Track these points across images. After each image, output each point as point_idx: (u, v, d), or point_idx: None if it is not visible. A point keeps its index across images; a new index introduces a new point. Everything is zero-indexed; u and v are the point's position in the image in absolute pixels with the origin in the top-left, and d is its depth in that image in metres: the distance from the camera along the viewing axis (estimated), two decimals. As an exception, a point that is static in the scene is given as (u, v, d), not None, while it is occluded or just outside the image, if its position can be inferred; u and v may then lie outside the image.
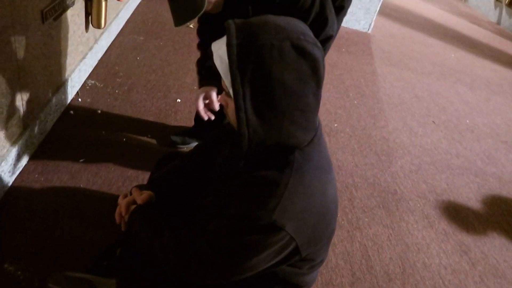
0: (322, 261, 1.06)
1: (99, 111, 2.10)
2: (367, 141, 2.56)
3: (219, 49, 0.86)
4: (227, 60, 0.81)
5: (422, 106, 3.21)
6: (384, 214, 2.01)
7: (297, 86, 0.80)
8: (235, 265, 0.88)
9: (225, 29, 0.82)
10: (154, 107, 2.25)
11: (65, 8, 1.83)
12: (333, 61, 3.52)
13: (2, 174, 1.49)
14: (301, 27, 0.84)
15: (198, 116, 1.98)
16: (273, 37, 0.78)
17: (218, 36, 0.88)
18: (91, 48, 2.32)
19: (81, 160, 1.76)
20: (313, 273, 1.08)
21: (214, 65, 0.88)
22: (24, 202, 1.52)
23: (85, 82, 2.28)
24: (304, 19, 1.26)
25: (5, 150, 1.51)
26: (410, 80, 3.60)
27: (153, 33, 3.03)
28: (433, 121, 3.02)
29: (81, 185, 1.65)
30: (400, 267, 1.74)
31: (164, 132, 2.08)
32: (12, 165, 1.56)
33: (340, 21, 1.39)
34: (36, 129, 1.72)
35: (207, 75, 1.47)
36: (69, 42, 1.97)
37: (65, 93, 2.00)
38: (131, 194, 1.14)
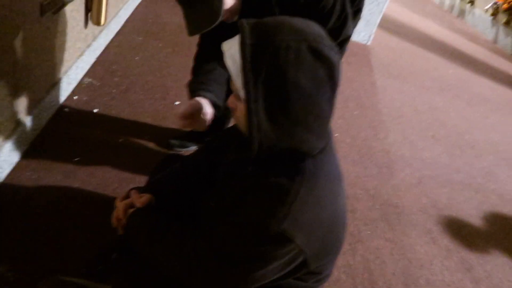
0: (328, 275, 1.01)
1: (96, 110, 2.03)
2: (368, 152, 2.52)
3: (231, 49, 0.81)
4: (239, 61, 0.76)
5: (422, 120, 3.19)
6: (386, 227, 1.96)
7: (312, 90, 0.75)
8: (240, 276, 0.83)
9: (239, 28, 0.77)
10: (152, 109, 2.18)
11: (65, 3, 1.76)
12: (333, 70, 3.49)
13: (-9, 171, 1.41)
14: (318, 30, 0.80)
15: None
16: (289, 38, 0.74)
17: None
18: (89, 45, 2.26)
19: (76, 159, 1.69)
20: (318, 287, 1.02)
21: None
22: (15, 200, 1.44)
23: (81, 79, 2.20)
24: (326, 19, 1.21)
25: (-5, 146, 1.43)
26: (409, 94, 3.59)
27: (152, 34, 2.98)
28: (433, 135, 3.00)
29: (76, 185, 1.57)
30: (403, 282, 1.68)
31: (161, 134, 2.01)
32: (4, 161, 1.48)
33: (355, 24, 1.35)
34: (29, 125, 1.64)
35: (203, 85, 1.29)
36: (67, 37, 1.91)
37: (61, 89, 1.93)
38: (129, 196, 1.08)
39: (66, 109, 1.96)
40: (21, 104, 1.55)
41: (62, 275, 1.19)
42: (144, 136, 1.96)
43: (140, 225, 0.98)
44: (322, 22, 0.79)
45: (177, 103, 2.29)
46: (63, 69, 1.95)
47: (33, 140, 1.69)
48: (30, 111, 1.64)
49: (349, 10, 1.24)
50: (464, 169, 2.69)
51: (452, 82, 4.25)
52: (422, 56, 4.80)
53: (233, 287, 0.83)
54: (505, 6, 6.45)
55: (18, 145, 1.56)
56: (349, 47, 1.49)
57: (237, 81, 0.79)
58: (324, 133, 0.84)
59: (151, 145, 1.93)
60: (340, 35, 1.28)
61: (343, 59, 4.28)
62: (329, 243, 0.88)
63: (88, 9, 2.05)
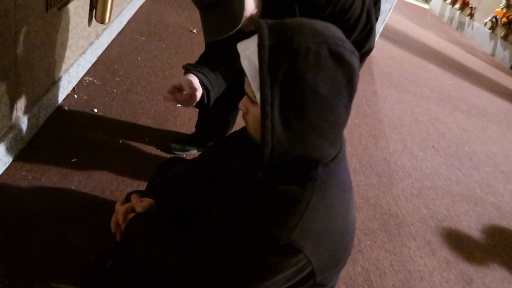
0: (332, 287, 0.98)
1: (96, 110, 1.99)
2: (369, 161, 2.50)
3: (247, 49, 0.79)
4: (256, 62, 0.74)
5: (422, 130, 3.18)
6: (386, 237, 1.93)
7: (330, 95, 0.73)
8: (245, 287, 0.80)
9: (256, 29, 0.75)
10: (153, 110, 2.15)
11: (70, -1, 1.74)
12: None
13: (-13, 169, 1.37)
14: (338, 33, 0.78)
15: (200, 123, 1.90)
16: (309, 40, 0.72)
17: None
18: (91, 44, 2.22)
19: (73, 160, 1.65)
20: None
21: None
22: (8, 201, 1.40)
23: (82, 78, 2.17)
24: (351, 31, 1.19)
25: (-8, 143, 1.39)
26: (410, 103, 3.59)
27: (155, 35, 2.95)
28: (433, 146, 2.99)
29: (72, 187, 1.53)
30: (403, 295, 1.66)
31: (162, 137, 1.98)
32: (-1, 160, 1.44)
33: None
34: (27, 123, 1.60)
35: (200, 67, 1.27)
36: (70, 34, 1.87)
37: (61, 87, 1.89)
38: (129, 200, 1.05)
39: (65, 108, 1.93)
40: (20, 101, 1.51)
41: (54, 282, 1.15)
42: (144, 138, 1.93)
43: (139, 230, 0.95)
44: (346, 34, 0.77)
45: (179, 105, 2.26)
46: (64, 66, 1.91)
47: (30, 139, 1.65)
48: (28, 109, 1.60)
49: (374, 21, 1.21)
50: (463, 181, 2.68)
51: (451, 93, 4.26)
52: (422, 66, 4.82)
53: (237, 299, 0.80)
54: (504, 20, 6.51)
55: (14, 144, 1.52)
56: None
57: (253, 83, 0.77)
58: (337, 141, 0.82)
59: (151, 148, 1.89)
60: (363, 48, 1.25)
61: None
62: (338, 254, 0.86)
63: (93, 6, 2.02)
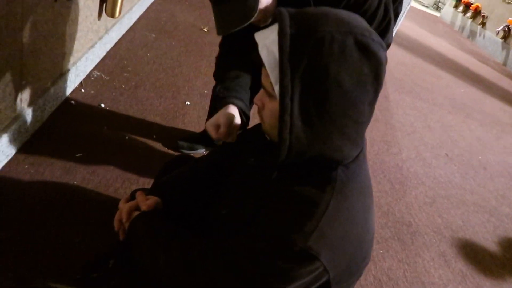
0: (346, 299, 0.91)
1: (103, 105, 1.94)
2: (381, 167, 2.42)
3: (266, 39, 0.73)
4: (275, 52, 0.68)
5: (435, 137, 3.10)
6: (399, 247, 1.85)
7: (355, 90, 0.67)
8: (254, 296, 0.73)
9: (277, 17, 0.69)
10: (161, 107, 2.09)
11: (80, -10, 1.69)
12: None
13: (-12, 161, 1.32)
14: (365, 23, 0.72)
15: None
16: (334, 29, 0.65)
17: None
18: (101, 38, 2.18)
19: (78, 155, 1.59)
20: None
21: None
22: (9, 195, 1.34)
23: (90, 72, 2.12)
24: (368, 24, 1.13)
25: (-6, 134, 1.34)
26: (422, 110, 3.51)
27: (165, 32, 2.90)
28: (446, 154, 2.91)
29: (75, 182, 1.47)
30: (417, 308, 1.58)
31: (170, 134, 1.92)
32: (0, 151, 1.38)
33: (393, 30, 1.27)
34: (31, 115, 1.55)
35: (233, 90, 1.20)
36: (79, 27, 1.83)
37: (68, 81, 1.84)
38: (134, 198, 0.99)
39: (72, 102, 1.87)
40: (25, 92, 1.46)
41: (52, 282, 1.08)
42: (151, 135, 1.87)
43: (144, 230, 0.89)
44: None
45: (187, 103, 2.21)
46: (72, 60, 1.86)
47: (34, 132, 1.60)
48: (33, 101, 1.55)
49: (392, 15, 1.15)
50: (478, 191, 2.59)
51: (464, 101, 4.17)
52: (434, 73, 4.74)
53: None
54: (518, 29, 6.42)
55: (17, 136, 1.47)
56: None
57: (271, 74, 0.71)
58: (359, 140, 0.76)
59: (158, 145, 1.84)
60: None
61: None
62: (355, 264, 0.79)
63: (103, -1, 1.97)
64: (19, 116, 1.46)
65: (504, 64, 6.74)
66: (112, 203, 1.38)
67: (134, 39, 2.63)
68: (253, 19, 1.04)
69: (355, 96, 0.67)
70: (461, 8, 8.19)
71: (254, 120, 0.96)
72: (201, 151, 1.86)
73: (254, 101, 0.80)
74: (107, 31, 2.26)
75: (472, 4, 7.77)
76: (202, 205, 1.04)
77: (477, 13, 7.67)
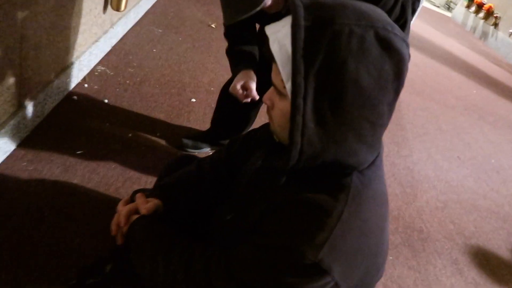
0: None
1: (106, 101, 1.89)
2: (391, 169, 2.35)
3: (278, 32, 0.67)
4: (288, 46, 0.62)
5: (446, 139, 3.02)
6: (410, 253, 1.78)
7: (374, 90, 0.62)
8: (260, 311, 0.67)
9: (289, 8, 0.63)
10: (166, 104, 2.04)
11: (84, -18, 1.64)
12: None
13: (-15, 157, 1.27)
14: (386, 17, 0.65)
15: (217, 118, 1.77)
16: (353, 22, 0.60)
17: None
18: (105, 32, 2.13)
19: (79, 152, 1.54)
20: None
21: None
22: (5, 193, 1.29)
23: (94, 67, 2.07)
24: None
25: (-8, 129, 1.29)
26: (433, 111, 3.43)
27: (172, 27, 2.85)
28: (458, 157, 2.82)
29: (75, 181, 1.42)
30: (429, 319, 1.51)
31: (174, 132, 1.86)
32: (-2, 147, 1.34)
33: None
34: (32, 110, 1.50)
35: (242, 58, 1.32)
36: (83, 20, 1.77)
37: (71, 75, 1.79)
38: (133, 200, 0.93)
39: (75, 97, 1.82)
40: (25, 86, 1.41)
41: (46, 286, 1.03)
42: (155, 132, 1.82)
43: (143, 235, 0.84)
44: None
45: (193, 100, 2.15)
46: (76, 53, 1.81)
47: (34, 127, 1.55)
48: (34, 95, 1.50)
49: (409, 15, 1.09)
50: (491, 196, 2.51)
51: (476, 103, 4.07)
52: (446, 74, 4.64)
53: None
54: (532, 30, 6.28)
55: (16, 131, 1.42)
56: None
57: (283, 71, 0.64)
58: (376, 144, 0.70)
59: (162, 143, 1.78)
60: None
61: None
62: (368, 278, 0.73)
63: (108, -8, 1.92)
64: (18, 111, 1.41)
65: (517, 65, 6.60)
66: (112, 204, 1.32)
67: (140, 34, 2.57)
68: (261, 5, 0.99)
69: (374, 96, 0.62)
70: (473, 8, 8.04)
71: (262, 119, 0.90)
72: (206, 150, 1.80)
73: (263, 99, 0.74)
74: (112, 25, 2.21)
75: (484, 4, 7.63)
76: (205, 209, 0.99)
77: (489, 13, 7.52)
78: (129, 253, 0.86)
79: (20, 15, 1.23)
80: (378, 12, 0.64)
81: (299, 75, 0.60)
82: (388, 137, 2.69)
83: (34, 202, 1.29)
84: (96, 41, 2.02)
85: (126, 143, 1.70)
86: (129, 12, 2.47)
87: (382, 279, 1.60)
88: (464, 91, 4.32)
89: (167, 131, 1.85)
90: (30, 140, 1.50)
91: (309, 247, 0.62)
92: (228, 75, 1.44)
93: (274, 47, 0.66)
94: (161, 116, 1.94)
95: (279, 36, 0.66)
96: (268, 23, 0.70)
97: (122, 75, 2.11)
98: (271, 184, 0.77)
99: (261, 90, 1.23)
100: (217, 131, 1.76)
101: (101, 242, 1.21)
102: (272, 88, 0.72)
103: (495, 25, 7.38)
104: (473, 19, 8.14)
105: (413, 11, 1.19)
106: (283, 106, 0.69)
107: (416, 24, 6.08)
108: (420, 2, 1.17)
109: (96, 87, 1.95)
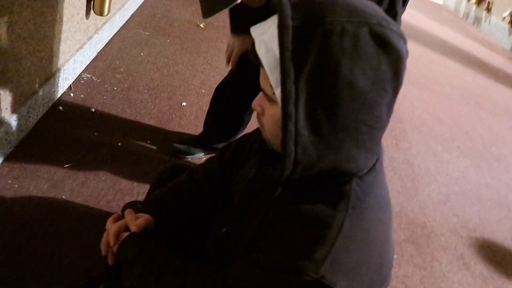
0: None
1: (93, 109, 1.83)
2: (390, 164, 2.30)
3: (264, 33, 0.62)
4: (276, 49, 0.58)
5: (445, 129, 2.97)
6: (414, 250, 1.74)
7: (371, 91, 0.58)
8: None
9: (276, 6, 0.58)
10: (156, 110, 1.98)
11: (63, -14, 1.57)
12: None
13: (-34, 177, 1.21)
14: (381, 11, 0.61)
15: (210, 121, 1.71)
16: (345, 20, 0.55)
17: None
18: (90, 38, 2.06)
19: (66, 166, 1.48)
20: None
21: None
22: (-10, 213, 1.24)
23: (80, 75, 2.01)
24: None
25: (-28, 148, 1.23)
26: (430, 101, 3.38)
27: (160, 29, 2.79)
28: (457, 146, 2.78)
29: (63, 197, 1.36)
30: (437, 319, 1.47)
31: (166, 138, 1.81)
32: (-20, 166, 1.28)
33: (400, 23, 1.16)
34: (15, 125, 1.44)
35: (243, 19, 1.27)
36: (65, 27, 1.71)
37: (55, 85, 1.73)
38: (123, 216, 0.88)
39: (60, 108, 1.76)
40: (5, 100, 1.35)
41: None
42: (145, 140, 1.76)
43: (133, 254, 0.80)
44: None
45: (184, 104, 2.09)
46: (59, 62, 1.75)
47: (18, 142, 1.49)
48: (16, 108, 1.44)
49: (400, 7, 1.04)
50: (493, 185, 2.47)
51: (473, 90, 4.03)
52: (440, 62, 4.60)
53: None
54: (525, 13, 6.24)
55: None
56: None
57: (271, 76, 0.60)
58: (375, 148, 0.67)
59: (153, 150, 1.72)
60: None
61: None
62: (374, 287, 0.68)
63: (89, -4, 1.86)
64: (0, 126, 1.35)
65: None
66: (104, 218, 1.25)
67: (126, 38, 2.51)
68: (239, 0, 0.94)
69: (371, 98, 0.58)
70: (465, -6, 8.00)
71: (254, 124, 0.84)
72: (200, 156, 1.75)
73: (252, 105, 0.69)
74: (97, 30, 2.15)
75: (477, -11, 7.58)
76: (199, 223, 0.95)
77: (482, -2, 7.48)
78: (120, 273, 0.81)
79: (-6, 26, 1.16)
80: (371, 7, 0.60)
81: (289, 80, 0.56)
82: (386, 131, 2.63)
83: (21, 221, 1.24)
84: (81, 47, 1.96)
85: (116, 152, 1.64)
86: (115, 16, 2.41)
87: (388, 280, 1.55)
88: (459, 79, 4.27)
89: (158, 138, 1.80)
90: (15, 156, 1.44)
91: (310, 263, 0.57)
92: (220, 76, 1.40)
93: (260, 50, 0.62)
94: (151, 122, 1.88)
95: (265, 38, 0.61)
96: (257, 22, 0.65)
97: (109, 82, 2.05)
98: (265, 195, 0.73)
99: (251, 95, 1.18)
100: (210, 134, 1.71)
101: (93, 260, 1.16)
102: (261, 94, 0.67)
103: (488, 10, 7.33)
104: (465, 5, 8.09)
105: (404, 2, 1.14)
106: (274, 112, 0.64)
107: (408, 12, 6.03)
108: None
109: (82, 95, 1.88)
